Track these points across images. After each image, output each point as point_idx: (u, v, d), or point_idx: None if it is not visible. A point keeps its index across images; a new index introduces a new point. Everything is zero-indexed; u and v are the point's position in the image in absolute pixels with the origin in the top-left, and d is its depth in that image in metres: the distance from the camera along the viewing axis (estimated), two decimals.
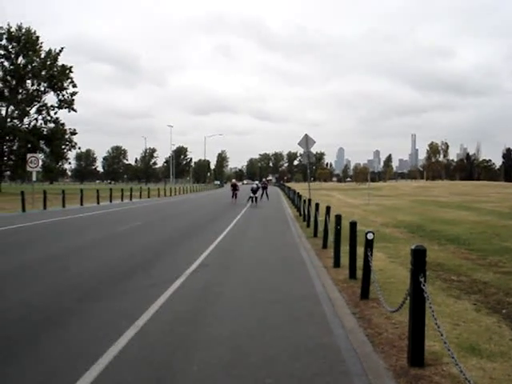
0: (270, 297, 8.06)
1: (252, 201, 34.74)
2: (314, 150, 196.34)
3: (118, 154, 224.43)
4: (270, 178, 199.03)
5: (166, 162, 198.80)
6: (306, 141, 24.69)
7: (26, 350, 5.47)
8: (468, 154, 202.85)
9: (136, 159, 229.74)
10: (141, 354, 5.37)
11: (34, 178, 35.34)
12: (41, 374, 4.86)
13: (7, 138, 63.01)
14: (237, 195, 37.77)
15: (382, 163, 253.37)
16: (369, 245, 7.63)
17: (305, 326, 6.50)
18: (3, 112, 63.84)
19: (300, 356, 5.36)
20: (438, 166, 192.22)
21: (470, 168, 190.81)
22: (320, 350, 5.58)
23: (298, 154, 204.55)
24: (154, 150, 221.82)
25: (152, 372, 4.91)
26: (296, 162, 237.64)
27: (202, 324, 6.53)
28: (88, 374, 4.78)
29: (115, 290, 8.45)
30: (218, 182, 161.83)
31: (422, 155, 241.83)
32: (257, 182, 44.78)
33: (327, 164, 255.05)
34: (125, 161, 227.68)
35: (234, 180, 43.57)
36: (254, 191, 35.31)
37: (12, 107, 64.08)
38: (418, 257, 5.05)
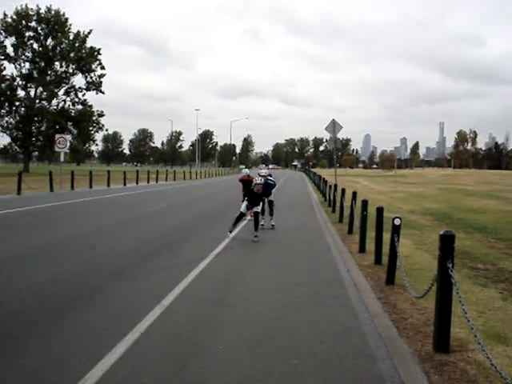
0: (295, 280, 8.09)
1: (236, 223, 12.93)
2: (341, 136, 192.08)
3: (144, 136, 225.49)
4: (295, 163, 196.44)
5: (192, 145, 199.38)
6: (334, 126, 24.55)
7: (54, 325, 5.60)
8: (497, 143, 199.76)
9: (162, 142, 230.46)
10: (167, 333, 5.46)
11: (61, 159, 35.66)
12: (69, 347, 4.95)
13: (36, 118, 63.91)
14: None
15: (408, 151, 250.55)
16: (396, 230, 7.60)
17: (330, 309, 6.51)
18: (32, 93, 64.75)
19: (325, 338, 5.38)
20: (465, 155, 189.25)
21: (498, 157, 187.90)
22: (345, 333, 5.59)
23: (324, 140, 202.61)
24: (180, 134, 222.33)
25: (178, 349, 4.98)
26: (322, 148, 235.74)
27: (228, 304, 6.60)
28: (115, 349, 4.87)
29: (142, 269, 8.54)
30: (244, 167, 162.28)
31: (450, 143, 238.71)
32: (263, 171, 15.22)
33: (353, 150, 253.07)
34: (151, 143, 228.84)
35: (247, 170, 16.44)
36: (256, 196, 12.84)
37: (41, 89, 64.85)
38: (446, 242, 5.01)
